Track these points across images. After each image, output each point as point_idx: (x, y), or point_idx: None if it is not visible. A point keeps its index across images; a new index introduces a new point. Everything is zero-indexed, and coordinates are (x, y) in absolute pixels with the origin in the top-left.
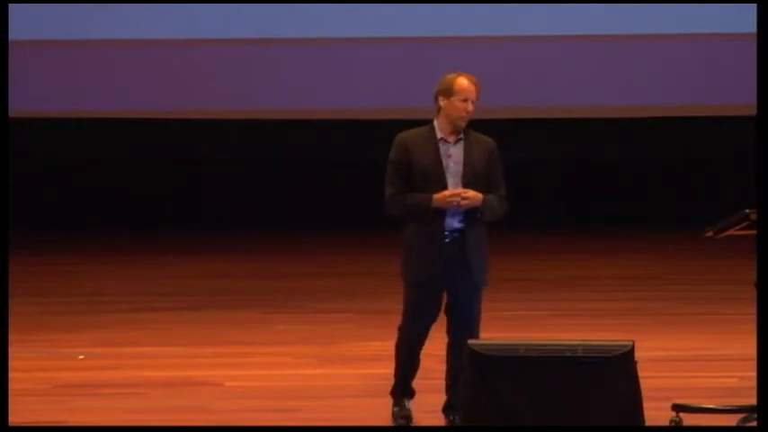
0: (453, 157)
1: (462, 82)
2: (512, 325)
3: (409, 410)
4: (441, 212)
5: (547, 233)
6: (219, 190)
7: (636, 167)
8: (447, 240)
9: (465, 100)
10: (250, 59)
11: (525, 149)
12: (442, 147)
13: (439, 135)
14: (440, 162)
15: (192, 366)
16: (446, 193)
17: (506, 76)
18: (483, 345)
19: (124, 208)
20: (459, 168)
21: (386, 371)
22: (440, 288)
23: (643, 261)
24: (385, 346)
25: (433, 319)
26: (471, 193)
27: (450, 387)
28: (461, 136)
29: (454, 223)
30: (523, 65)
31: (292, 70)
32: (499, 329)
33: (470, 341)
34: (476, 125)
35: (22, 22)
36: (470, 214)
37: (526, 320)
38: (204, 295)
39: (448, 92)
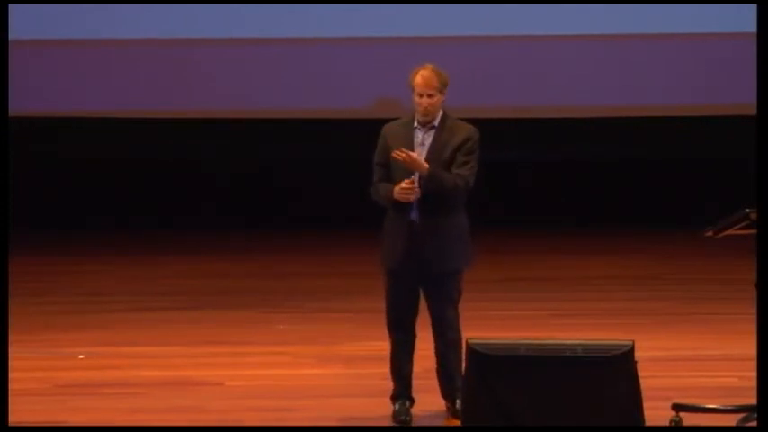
0: (425, 144)
1: (416, 78)
2: (511, 325)
3: (409, 410)
4: (408, 202)
5: (547, 233)
6: (219, 190)
7: (636, 167)
8: (415, 229)
9: (420, 95)
10: (250, 59)
11: (525, 149)
12: (417, 135)
13: (415, 123)
14: (411, 151)
15: (191, 366)
16: (402, 184)
17: (506, 76)
18: (483, 344)
19: (124, 208)
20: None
21: (385, 370)
22: (410, 276)
23: (643, 261)
24: (385, 346)
25: (409, 311)
26: (418, 160)
27: (440, 372)
28: (435, 123)
29: (421, 212)
30: (523, 65)
31: (292, 70)
32: (499, 329)
33: (470, 340)
34: (476, 125)
35: (22, 22)
36: (435, 203)
37: (526, 320)
38: (204, 295)
39: (410, 86)
